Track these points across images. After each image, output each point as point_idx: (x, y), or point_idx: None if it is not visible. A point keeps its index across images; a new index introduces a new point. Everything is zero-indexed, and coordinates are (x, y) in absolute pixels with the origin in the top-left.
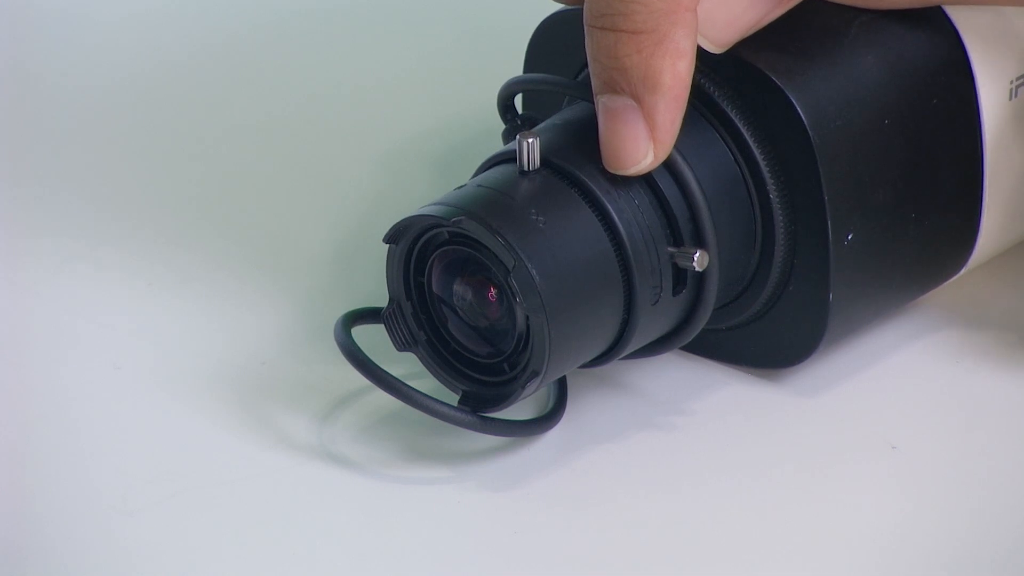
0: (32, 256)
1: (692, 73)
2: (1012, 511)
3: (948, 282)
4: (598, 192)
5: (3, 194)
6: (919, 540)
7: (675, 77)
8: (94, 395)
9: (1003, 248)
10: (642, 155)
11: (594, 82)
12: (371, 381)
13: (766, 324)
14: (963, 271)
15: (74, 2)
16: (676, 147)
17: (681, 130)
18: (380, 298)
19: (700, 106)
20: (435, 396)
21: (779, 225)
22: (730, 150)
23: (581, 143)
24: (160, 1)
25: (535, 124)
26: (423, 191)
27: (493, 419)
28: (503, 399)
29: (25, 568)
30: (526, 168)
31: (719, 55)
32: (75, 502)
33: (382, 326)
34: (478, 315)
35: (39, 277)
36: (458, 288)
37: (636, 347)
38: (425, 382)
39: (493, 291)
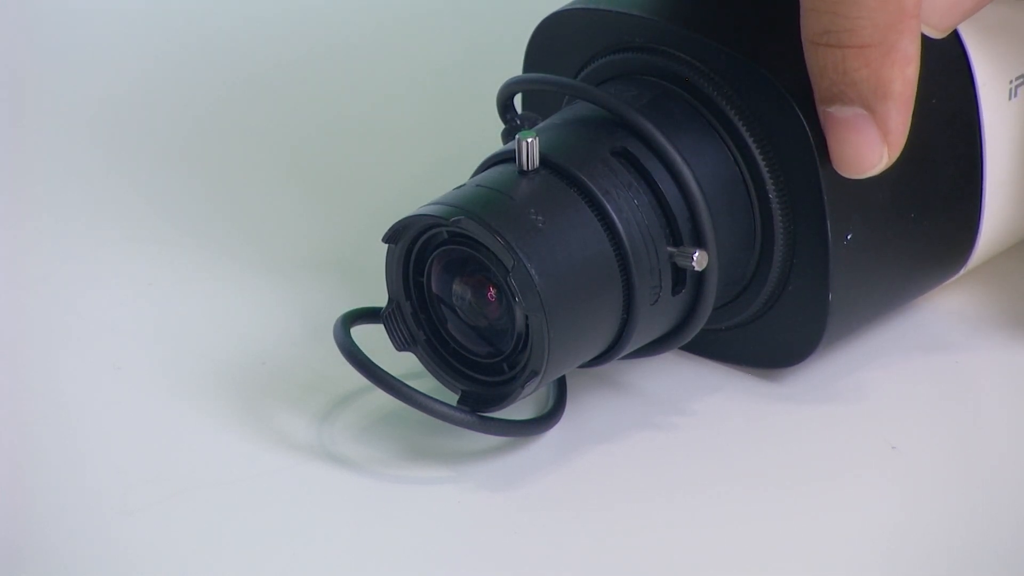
0: (32, 256)
1: (918, 74)
2: (1012, 511)
3: (948, 282)
4: (597, 192)
5: (3, 194)
6: (919, 540)
7: (905, 83)
8: (94, 395)
9: (1003, 248)
10: (877, 159)
11: (818, 94)
12: (371, 381)
13: (765, 324)
14: (963, 271)
15: (76, 2)
16: (675, 147)
17: (680, 130)
18: (379, 298)
19: (699, 106)
20: (435, 396)
21: (778, 225)
22: (729, 150)
23: (580, 142)
24: (163, 2)
25: (535, 124)
26: (423, 191)
27: (493, 419)
28: (502, 399)
29: (25, 568)
30: (525, 168)
31: (718, 55)
32: (75, 502)
33: (381, 326)
34: (477, 315)
35: (39, 277)
36: (457, 288)
37: (635, 347)
38: (425, 382)
39: (492, 291)
